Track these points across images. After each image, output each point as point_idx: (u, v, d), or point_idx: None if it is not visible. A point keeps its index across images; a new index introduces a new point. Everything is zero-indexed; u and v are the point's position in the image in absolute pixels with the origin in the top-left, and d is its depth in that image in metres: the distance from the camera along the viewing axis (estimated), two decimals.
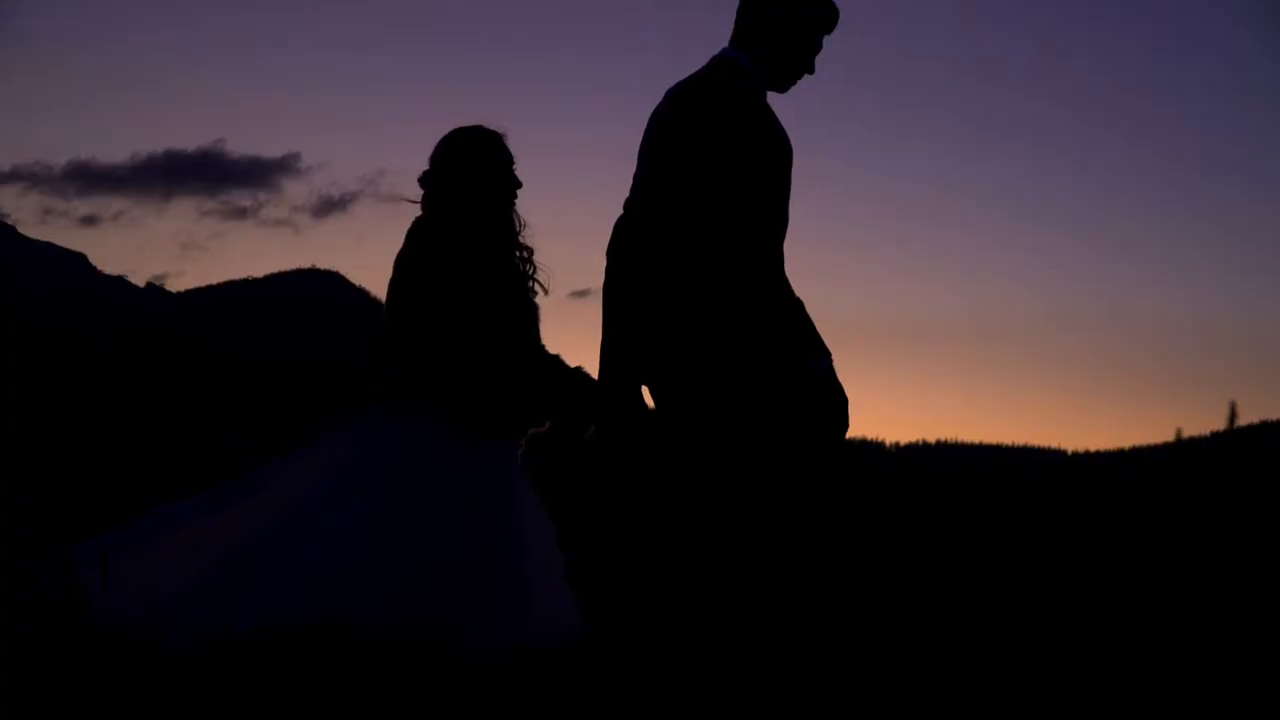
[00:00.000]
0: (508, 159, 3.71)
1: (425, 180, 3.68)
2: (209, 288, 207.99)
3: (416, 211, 3.75)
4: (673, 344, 3.41)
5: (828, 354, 3.50)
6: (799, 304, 3.55)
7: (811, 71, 3.63)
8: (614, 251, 3.47)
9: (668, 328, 3.42)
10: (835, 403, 3.46)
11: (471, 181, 3.64)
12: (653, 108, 3.53)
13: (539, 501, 3.74)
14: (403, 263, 3.62)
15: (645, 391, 3.53)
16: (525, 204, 3.80)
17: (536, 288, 3.76)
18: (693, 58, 3.61)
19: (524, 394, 3.63)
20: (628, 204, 3.49)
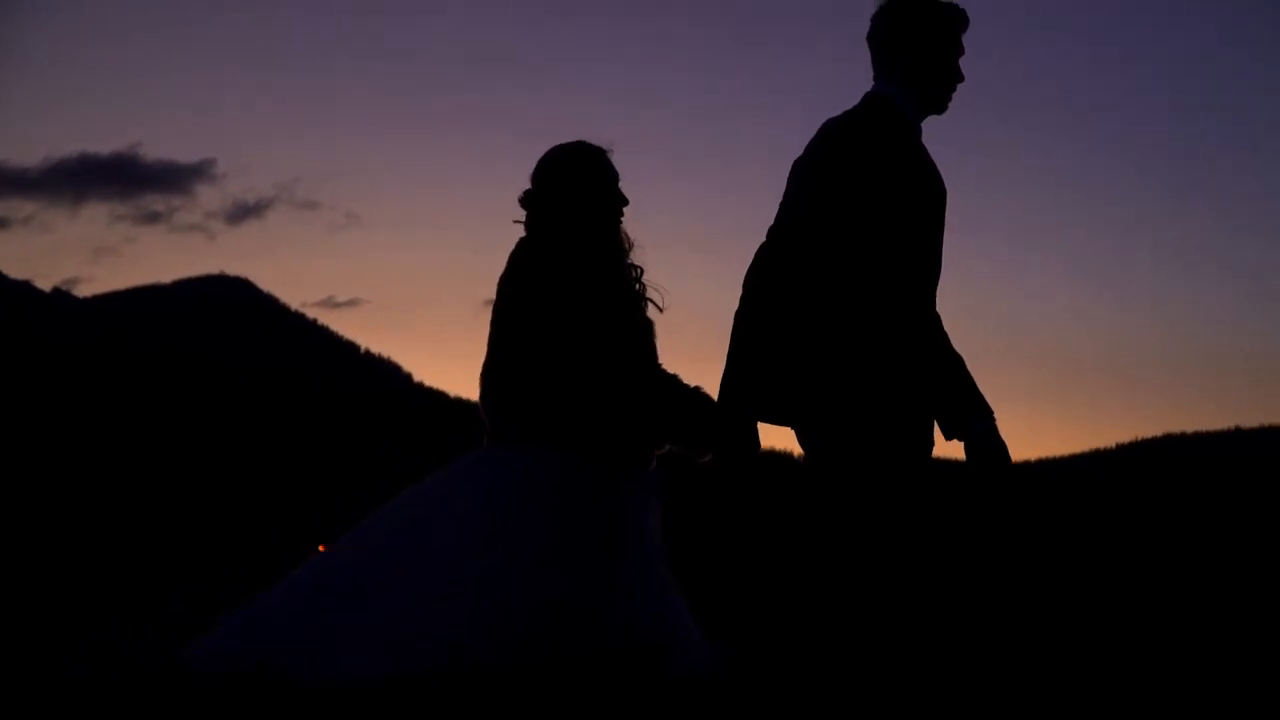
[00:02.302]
0: (612, 175, 3.57)
1: (527, 200, 3.55)
2: (116, 293, 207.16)
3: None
4: (823, 390, 3.30)
5: (990, 413, 3.33)
6: (959, 360, 3.37)
7: (962, 79, 3.52)
8: (755, 282, 3.38)
9: (817, 373, 3.31)
10: (997, 465, 3.29)
11: (575, 200, 3.50)
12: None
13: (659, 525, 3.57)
14: (508, 286, 3.45)
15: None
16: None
17: (650, 306, 3.61)
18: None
19: (644, 416, 3.47)
20: (773, 233, 3.40)
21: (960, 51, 3.52)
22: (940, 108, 3.53)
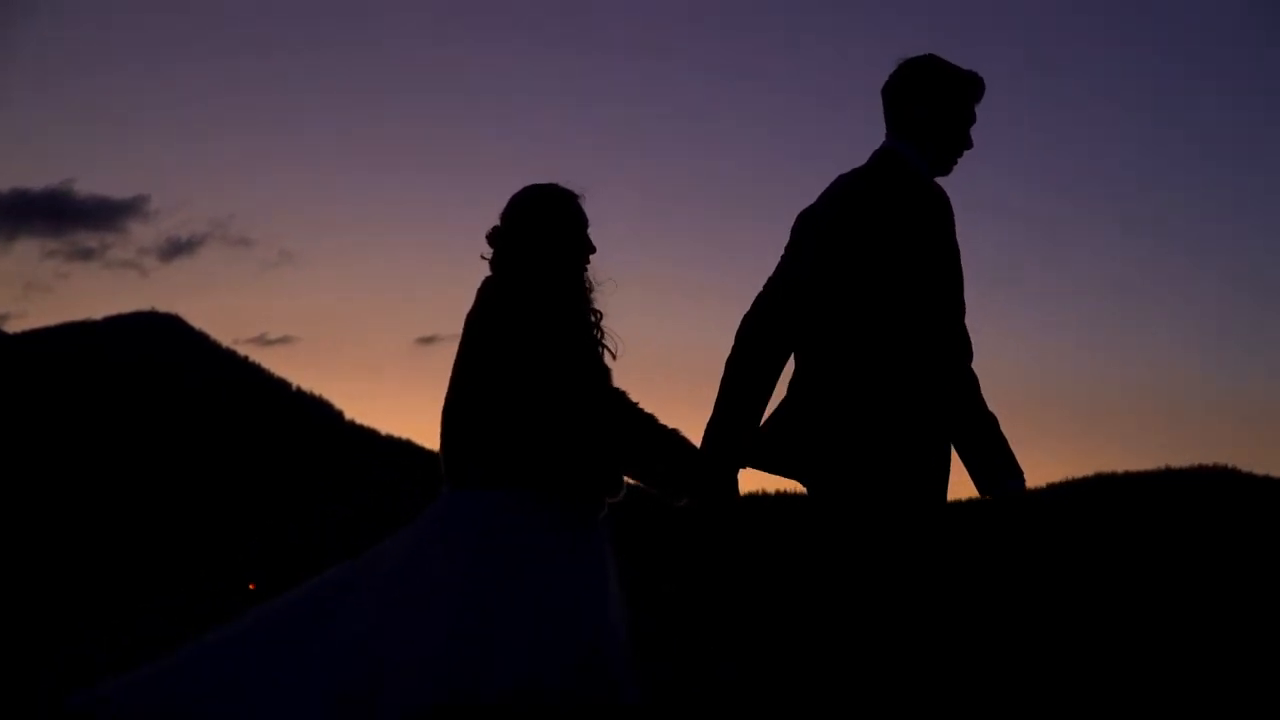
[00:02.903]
0: (582, 221, 3.51)
1: (496, 237, 3.49)
2: (48, 329, 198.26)
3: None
4: (843, 446, 3.26)
5: (1021, 473, 3.35)
6: (994, 420, 3.36)
7: (970, 146, 3.53)
8: (753, 330, 3.37)
9: (839, 430, 3.26)
10: (1023, 519, 3.29)
11: (543, 242, 3.44)
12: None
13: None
14: (475, 326, 3.40)
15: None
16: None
17: (605, 353, 3.51)
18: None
19: (611, 454, 3.37)
20: (774, 283, 3.39)
21: (972, 119, 3.52)
22: (944, 169, 3.52)
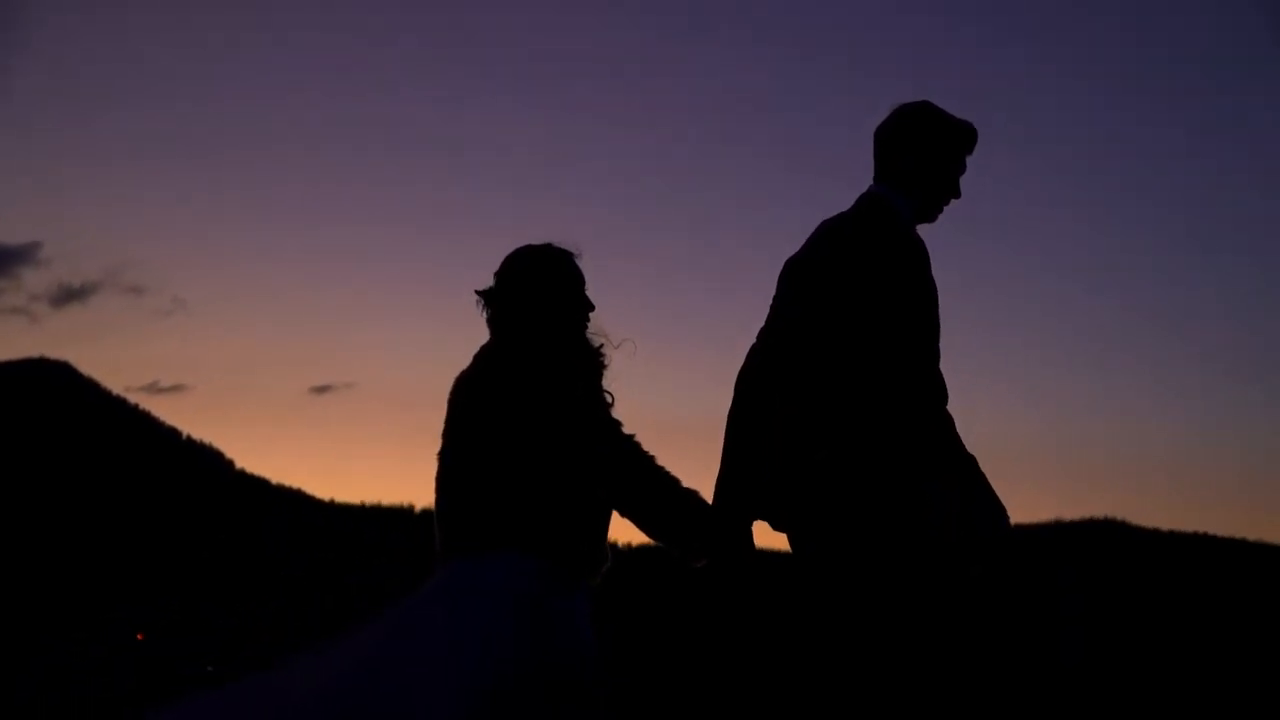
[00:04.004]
0: (578, 279, 3.46)
1: (490, 298, 3.44)
2: None
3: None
4: (827, 494, 3.25)
5: (1005, 512, 3.39)
6: (973, 460, 3.38)
7: (958, 195, 3.51)
8: (748, 383, 3.33)
9: (818, 480, 3.26)
10: (1008, 559, 3.30)
11: (541, 303, 3.38)
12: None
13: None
14: (475, 389, 3.33)
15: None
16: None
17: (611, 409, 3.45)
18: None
19: (602, 520, 3.35)
20: (765, 334, 3.36)
21: (962, 169, 3.51)
22: (930, 217, 3.52)
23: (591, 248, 3.51)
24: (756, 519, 3.36)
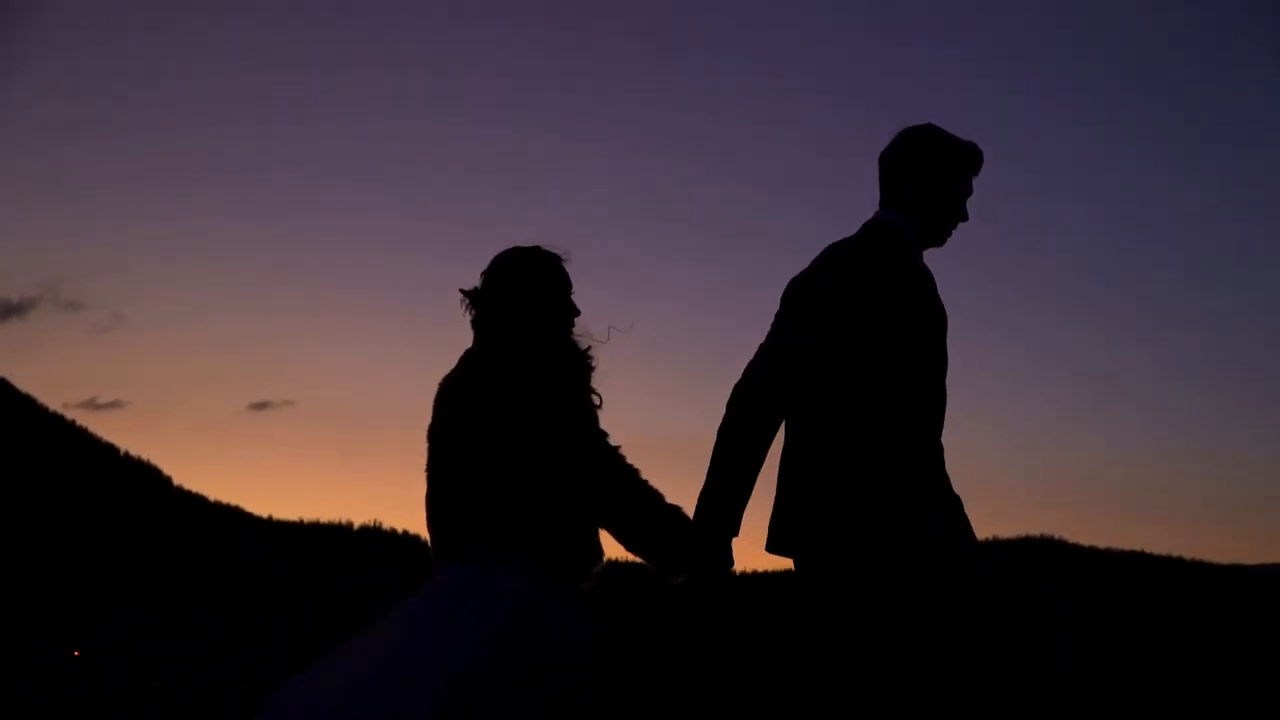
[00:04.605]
0: (565, 283, 3.41)
1: (475, 300, 3.38)
2: None
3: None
4: (826, 517, 3.22)
5: (985, 557, 3.33)
6: (956, 501, 3.34)
7: (965, 219, 3.47)
8: (747, 399, 3.29)
9: (818, 501, 3.24)
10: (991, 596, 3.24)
11: (522, 304, 3.33)
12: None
13: None
14: (461, 393, 3.28)
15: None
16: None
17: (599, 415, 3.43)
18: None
19: (613, 528, 3.37)
20: (764, 351, 3.34)
21: (968, 191, 3.48)
22: (938, 241, 3.48)
23: (569, 265, 3.47)
24: (737, 535, 3.33)
